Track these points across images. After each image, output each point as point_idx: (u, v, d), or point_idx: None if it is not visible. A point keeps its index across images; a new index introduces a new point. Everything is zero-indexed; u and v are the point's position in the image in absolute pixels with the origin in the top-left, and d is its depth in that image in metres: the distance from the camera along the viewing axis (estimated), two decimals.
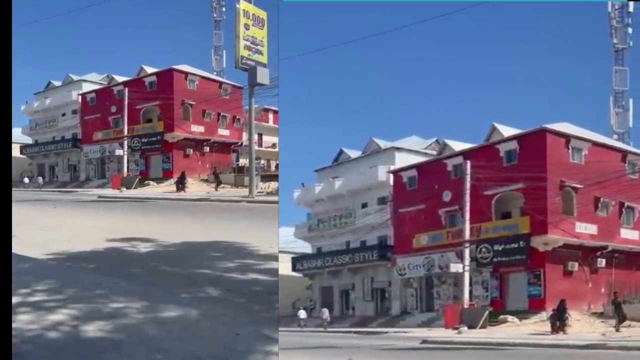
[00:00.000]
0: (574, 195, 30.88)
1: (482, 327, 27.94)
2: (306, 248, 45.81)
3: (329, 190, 42.95)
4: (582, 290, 30.37)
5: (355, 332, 31.75)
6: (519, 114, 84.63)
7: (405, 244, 36.04)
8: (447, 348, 21.42)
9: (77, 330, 7.81)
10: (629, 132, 43.12)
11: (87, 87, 54.39)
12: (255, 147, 39.10)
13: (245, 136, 48.39)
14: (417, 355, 20.03)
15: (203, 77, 49.05)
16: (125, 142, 46.58)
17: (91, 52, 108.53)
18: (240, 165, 47.38)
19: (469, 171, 30.94)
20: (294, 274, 42.96)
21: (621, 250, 32.10)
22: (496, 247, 31.05)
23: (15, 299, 8.44)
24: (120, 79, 51.22)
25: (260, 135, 54.51)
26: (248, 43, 34.57)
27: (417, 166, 37.69)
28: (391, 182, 38.85)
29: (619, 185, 31.02)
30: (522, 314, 29.64)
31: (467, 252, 30.74)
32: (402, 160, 39.74)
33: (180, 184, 41.11)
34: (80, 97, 53.11)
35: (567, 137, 31.56)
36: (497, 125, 34.56)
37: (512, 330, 26.79)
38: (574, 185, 30.79)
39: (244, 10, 34.66)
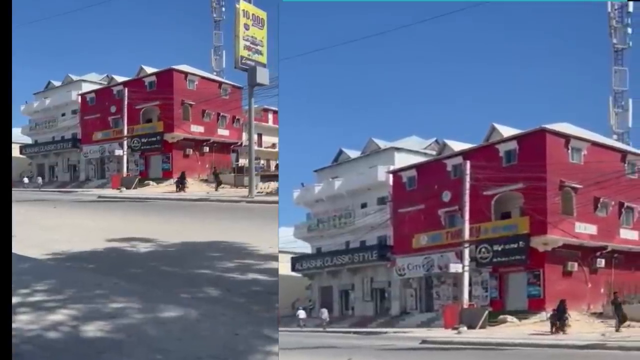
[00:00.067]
0: (573, 196, 30.89)
1: (481, 327, 27.94)
2: (306, 248, 45.81)
3: (328, 191, 42.96)
4: (582, 290, 30.37)
5: (354, 332, 31.75)
6: (518, 114, 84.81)
7: (405, 244, 36.05)
8: (447, 348, 21.43)
9: (76, 330, 7.81)
10: (629, 132, 43.21)
11: (86, 87, 54.39)
12: (255, 147, 39.14)
13: (245, 136, 48.41)
14: (417, 355, 20.04)
15: (203, 77, 49.05)
16: (125, 142, 46.58)
17: (91, 52, 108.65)
18: (239, 165, 47.39)
19: (468, 171, 30.94)
20: (294, 274, 42.95)
21: (621, 251, 32.10)
22: (496, 247, 31.05)
23: (15, 299, 8.44)
24: (120, 79, 51.21)
25: (260, 136, 54.54)
26: (248, 43, 34.59)
27: (416, 166, 37.69)
28: (391, 182, 38.85)
29: (618, 186, 31.02)
30: (521, 314, 29.64)
31: (466, 252, 30.74)
32: (402, 160, 39.75)
33: (180, 184, 41.13)
34: (80, 97, 53.11)
35: (567, 137, 31.57)
36: (497, 126, 34.56)
37: (511, 330, 26.79)
38: (573, 185, 30.80)
39: (243, 10, 34.68)
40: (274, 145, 54.82)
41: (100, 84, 54.51)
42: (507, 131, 33.86)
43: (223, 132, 49.70)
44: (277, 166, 50.11)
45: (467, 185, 30.76)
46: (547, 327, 25.57)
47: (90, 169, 52.31)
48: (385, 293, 39.03)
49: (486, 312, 29.08)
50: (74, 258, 14.24)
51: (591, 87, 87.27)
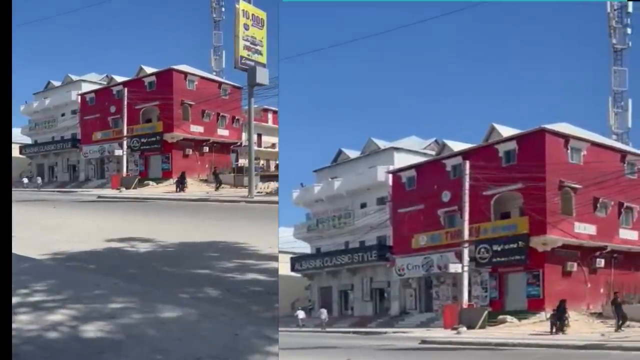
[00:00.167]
0: (573, 196, 30.90)
1: (481, 328, 27.93)
2: (305, 248, 45.82)
3: (328, 191, 42.98)
4: (581, 290, 30.39)
5: (354, 333, 31.76)
6: (518, 114, 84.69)
7: (404, 244, 36.05)
8: (446, 348, 21.43)
9: (76, 330, 7.82)
10: (628, 133, 43.14)
11: (86, 87, 54.39)
12: (255, 147, 39.14)
13: (244, 136, 48.43)
14: (416, 355, 20.03)
15: (202, 77, 49.04)
16: (125, 142, 46.55)
17: (91, 52, 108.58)
18: (239, 165, 47.40)
19: (468, 171, 30.94)
20: (293, 274, 42.96)
21: (620, 251, 32.12)
22: (495, 248, 31.06)
23: (14, 299, 8.45)
24: (119, 79, 51.21)
25: (259, 136, 54.57)
26: (247, 43, 34.59)
27: (416, 166, 37.69)
28: (390, 182, 38.85)
29: (618, 186, 31.03)
30: (521, 314, 29.64)
31: (466, 252, 30.73)
32: (401, 160, 39.75)
33: (180, 184, 41.13)
34: (79, 97, 53.11)
35: (566, 138, 31.58)
36: (496, 126, 34.57)
37: (511, 330, 26.80)
38: (573, 185, 30.80)
39: (243, 10, 34.68)
40: (273, 145, 54.85)
41: (100, 84, 54.51)
42: (506, 131, 33.87)
43: (223, 132, 49.71)
44: (277, 166, 50.14)
45: (467, 185, 30.76)
46: (546, 327, 25.58)
47: (89, 169, 52.32)
48: (385, 293, 39.04)
49: (486, 312, 29.08)
50: (73, 258, 14.25)
51: (591, 87, 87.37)
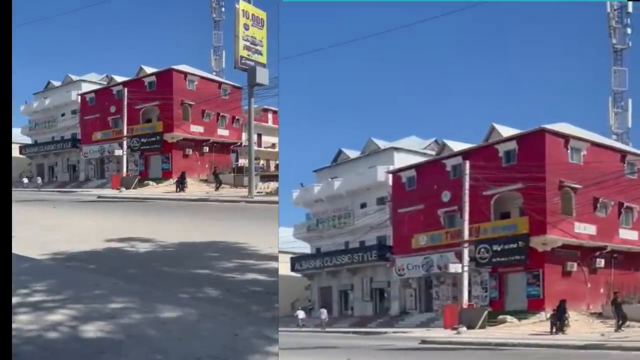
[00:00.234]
0: (572, 196, 30.90)
1: (481, 328, 27.94)
2: (305, 248, 45.82)
3: (328, 191, 42.97)
4: (581, 290, 30.39)
5: (354, 333, 31.76)
6: (518, 114, 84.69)
7: (404, 244, 36.05)
8: (446, 348, 21.43)
9: (76, 330, 7.82)
10: (628, 133, 43.16)
11: (86, 87, 54.37)
12: (255, 147, 39.13)
13: (244, 136, 48.43)
14: (416, 355, 20.03)
15: (202, 77, 49.04)
16: (125, 142, 46.55)
17: (91, 52, 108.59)
18: (239, 165, 47.40)
19: (467, 171, 30.95)
20: (293, 274, 42.96)
21: (620, 251, 32.12)
22: (495, 248, 31.06)
23: (14, 300, 8.45)
24: (119, 79, 51.20)
25: (259, 136, 54.57)
26: (247, 43, 34.59)
27: (416, 166, 37.69)
28: (390, 182, 38.85)
29: (618, 186, 31.03)
30: (521, 314, 29.65)
31: (466, 252, 30.73)
32: (401, 160, 39.75)
33: (180, 184, 41.14)
34: (79, 97, 53.11)
35: (566, 138, 31.58)
36: (496, 126, 34.57)
37: (511, 330, 26.80)
38: (572, 185, 30.80)
39: (243, 10, 34.68)
40: (273, 145, 54.85)
41: (100, 84, 54.51)
42: (506, 131, 33.87)
43: (223, 132, 49.71)
44: (276, 166, 50.14)
45: (467, 185, 30.76)
46: (546, 327, 25.59)
47: (89, 169, 52.31)
48: (385, 293, 39.04)
49: (485, 312, 29.09)
50: (73, 258, 14.25)
51: (591, 87, 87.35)
